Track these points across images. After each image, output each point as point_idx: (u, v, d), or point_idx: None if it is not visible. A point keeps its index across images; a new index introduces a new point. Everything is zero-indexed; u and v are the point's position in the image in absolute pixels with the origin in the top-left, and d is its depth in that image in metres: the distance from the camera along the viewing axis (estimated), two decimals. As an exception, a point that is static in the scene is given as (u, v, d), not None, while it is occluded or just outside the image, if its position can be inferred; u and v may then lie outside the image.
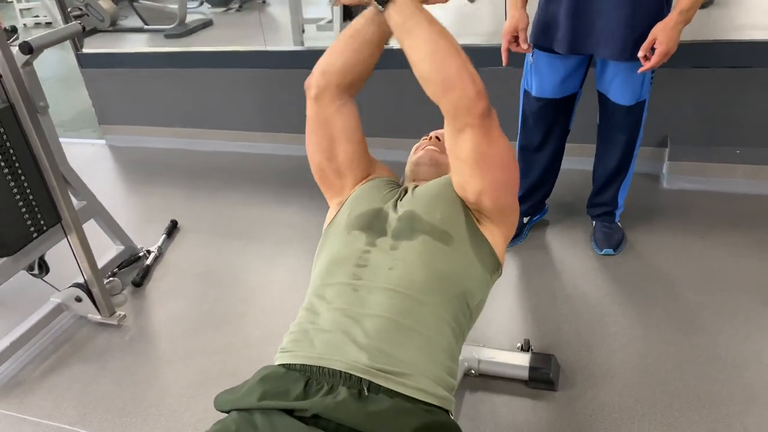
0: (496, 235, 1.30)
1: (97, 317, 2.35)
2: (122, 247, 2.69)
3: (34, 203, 2.15)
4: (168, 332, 2.30)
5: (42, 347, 2.28)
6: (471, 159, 1.18)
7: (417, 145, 1.56)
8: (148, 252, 2.76)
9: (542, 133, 2.40)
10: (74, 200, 2.44)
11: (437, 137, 1.52)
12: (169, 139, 3.93)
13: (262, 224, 2.97)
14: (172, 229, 2.95)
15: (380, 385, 1.01)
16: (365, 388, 1.00)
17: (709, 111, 2.79)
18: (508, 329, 2.07)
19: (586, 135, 2.52)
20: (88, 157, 4.00)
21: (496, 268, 1.29)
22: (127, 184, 3.62)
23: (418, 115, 3.45)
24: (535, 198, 2.57)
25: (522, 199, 2.54)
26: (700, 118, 2.81)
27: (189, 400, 1.97)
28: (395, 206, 1.30)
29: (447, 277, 1.17)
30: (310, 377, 1.04)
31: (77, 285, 2.32)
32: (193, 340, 2.23)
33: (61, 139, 4.31)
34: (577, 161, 2.78)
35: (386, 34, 1.26)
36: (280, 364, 1.10)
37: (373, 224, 1.25)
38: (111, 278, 2.53)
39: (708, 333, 1.97)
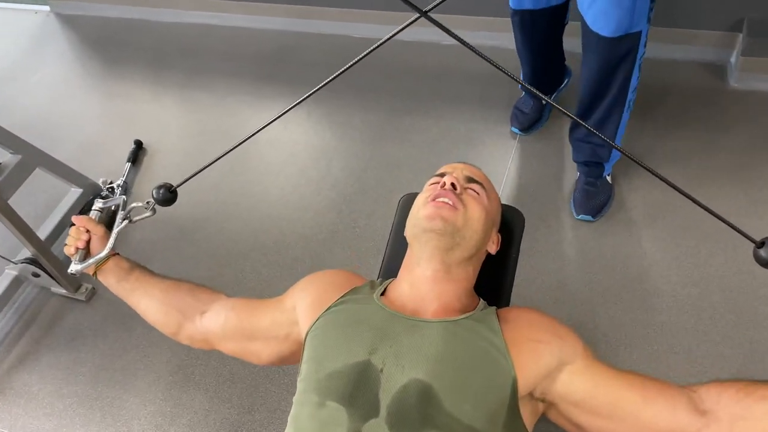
0: (537, 414, 0.93)
1: (62, 291, 2.07)
2: (80, 190, 2.30)
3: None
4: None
5: (7, 328, 2.04)
6: None
7: (424, 191, 1.06)
8: (112, 189, 2.37)
9: (531, 46, 1.95)
10: (8, 155, 2.01)
11: (453, 183, 1.00)
12: (124, 7, 3.25)
13: (238, 139, 2.50)
14: (137, 152, 2.51)
15: None
16: None
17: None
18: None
19: None
20: (32, 32, 3.37)
21: None
22: (81, 76, 3.05)
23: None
24: (546, 81, 2.18)
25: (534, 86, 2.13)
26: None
27: (172, 410, 1.77)
28: (393, 356, 0.87)
29: None
30: None
31: (29, 261, 1.99)
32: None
33: (-2, 4, 3.71)
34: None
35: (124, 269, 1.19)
36: None
37: (356, 394, 0.85)
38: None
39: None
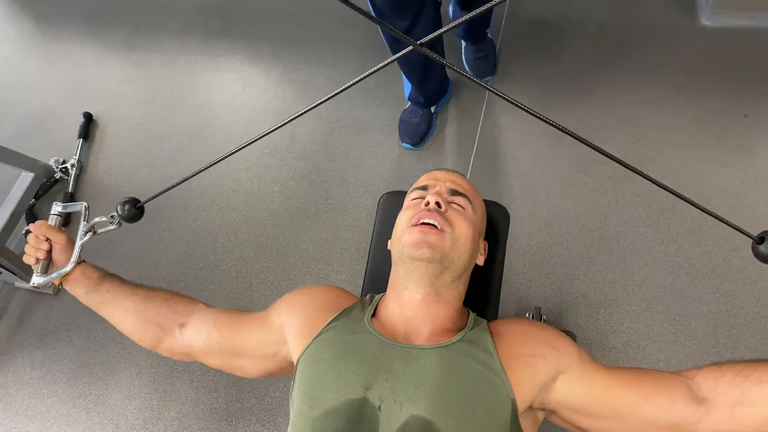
0: (538, 422, 0.92)
1: (27, 285, 1.99)
2: (32, 174, 2.17)
3: None
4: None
5: (-26, 328, 1.97)
6: None
7: (406, 207, 1.01)
8: (65, 170, 2.24)
9: (407, 22, 1.68)
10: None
11: (438, 202, 0.96)
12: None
13: (194, 104, 2.37)
14: (88, 126, 2.36)
15: None
16: None
17: None
18: (516, 288, 1.76)
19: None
20: (-48, -10, 3.06)
21: None
22: (14, 40, 2.81)
23: None
24: (430, 88, 2.03)
25: (420, 96, 2.03)
26: None
27: (159, 403, 1.75)
28: (390, 391, 0.84)
29: None
30: None
31: (-14, 260, 1.89)
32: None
33: None
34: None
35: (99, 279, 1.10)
36: None
37: None
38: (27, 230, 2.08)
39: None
